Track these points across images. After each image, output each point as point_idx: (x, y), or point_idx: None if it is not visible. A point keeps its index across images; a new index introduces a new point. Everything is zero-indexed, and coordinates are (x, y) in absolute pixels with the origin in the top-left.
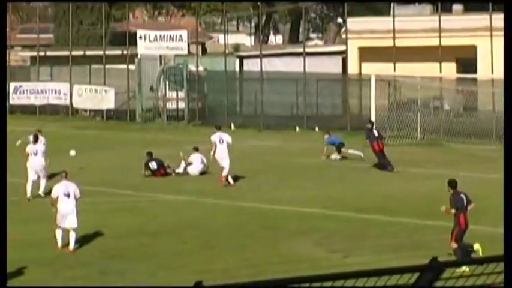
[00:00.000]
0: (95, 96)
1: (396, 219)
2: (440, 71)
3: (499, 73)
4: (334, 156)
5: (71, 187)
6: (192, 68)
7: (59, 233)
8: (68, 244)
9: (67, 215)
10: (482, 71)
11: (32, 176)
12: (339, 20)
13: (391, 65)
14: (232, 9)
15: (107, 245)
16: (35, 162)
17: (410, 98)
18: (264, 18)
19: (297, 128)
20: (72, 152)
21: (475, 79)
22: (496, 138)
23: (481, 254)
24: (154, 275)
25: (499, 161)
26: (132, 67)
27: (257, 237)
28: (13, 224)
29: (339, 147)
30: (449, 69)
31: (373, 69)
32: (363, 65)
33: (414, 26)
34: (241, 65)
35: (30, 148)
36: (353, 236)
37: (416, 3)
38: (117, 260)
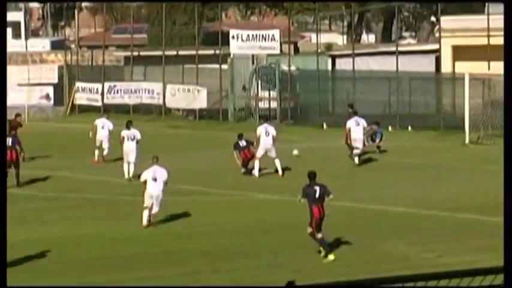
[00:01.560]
0: (188, 95)
1: (495, 219)
2: None
3: None
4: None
5: (159, 172)
6: (284, 67)
7: (145, 214)
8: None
9: (153, 198)
10: None
11: (126, 160)
12: (432, 18)
13: (486, 63)
14: (325, 9)
15: (216, 244)
16: (130, 146)
17: None
18: (356, 17)
19: (390, 128)
20: (295, 152)
21: None
22: None
23: None
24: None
25: None
26: (224, 67)
27: (352, 236)
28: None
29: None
30: None
31: (467, 67)
32: (457, 63)
33: None
34: (333, 64)
35: (125, 133)
36: (449, 235)
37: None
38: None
